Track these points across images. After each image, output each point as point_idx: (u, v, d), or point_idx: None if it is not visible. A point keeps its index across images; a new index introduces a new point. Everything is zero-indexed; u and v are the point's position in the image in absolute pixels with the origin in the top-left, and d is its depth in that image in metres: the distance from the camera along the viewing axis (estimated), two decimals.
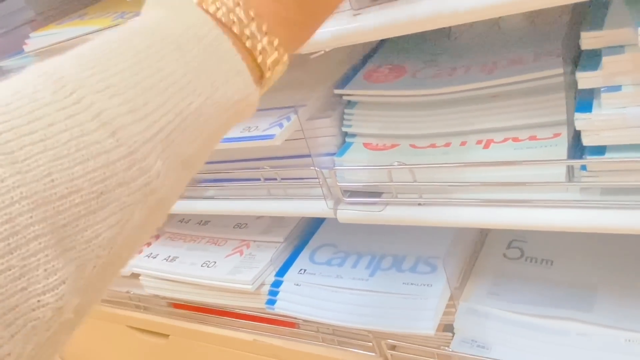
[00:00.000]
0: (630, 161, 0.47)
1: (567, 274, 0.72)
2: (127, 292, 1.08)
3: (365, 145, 0.68)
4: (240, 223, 0.98)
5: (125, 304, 1.12)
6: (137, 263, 1.00)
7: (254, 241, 0.92)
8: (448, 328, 0.73)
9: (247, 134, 0.67)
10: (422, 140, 0.64)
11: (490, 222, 0.57)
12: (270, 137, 0.64)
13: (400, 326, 0.68)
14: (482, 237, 0.81)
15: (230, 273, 0.86)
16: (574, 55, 0.52)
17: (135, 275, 1.02)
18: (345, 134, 0.70)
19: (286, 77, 0.82)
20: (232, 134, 0.69)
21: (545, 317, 0.68)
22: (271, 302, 0.81)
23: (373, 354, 0.78)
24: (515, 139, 0.58)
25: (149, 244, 1.05)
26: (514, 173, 0.55)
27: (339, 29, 0.52)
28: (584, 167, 0.50)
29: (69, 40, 0.76)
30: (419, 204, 0.62)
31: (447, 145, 0.62)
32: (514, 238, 0.80)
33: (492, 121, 0.60)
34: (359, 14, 0.51)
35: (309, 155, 0.71)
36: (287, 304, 0.79)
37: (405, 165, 0.60)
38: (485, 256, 0.79)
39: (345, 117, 0.69)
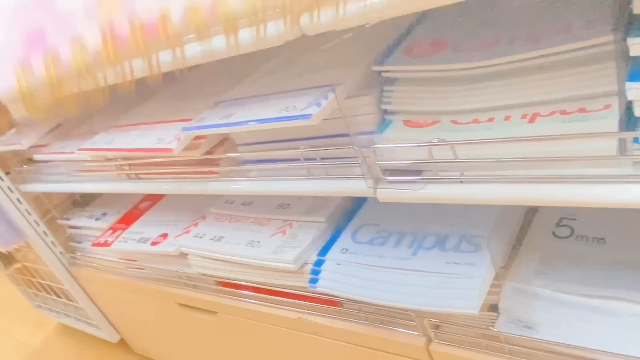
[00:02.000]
0: None
1: (620, 253, 0.68)
2: (177, 271, 1.12)
3: (406, 122, 0.67)
4: (283, 203, 0.99)
5: (174, 282, 1.16)
6: (185, 243, 1.04)
7: (297, 221, 0.93)
8: (493, 308, 0.71)
9: (285, 113, 0.67)
10: (464, 116, 0.63)
11: (536, 199, 0.55)
12: (307, 116, 0.64)
13: (444, 305, 0.67)
14: (530, 215, 0.78)
15: (274, 252, 0.87)
16: (625, 22, 0.49)
17: (183, 255, 1.05)
18: (385, 112, 0.69)
19: (324, 55, 0.82)
20: (270, 114, 0.70)
21: (595, 297, 0.65)
22: (313, 281, 0.81)
23: (416, 333, 0.78)
24: (563, 112, 0.55)
25: (196, 224, 1.08)
26: (561, 148, 0.53)
27: None
28: (636, 140, 0.47)
29: None
30: (461, 182, 0.60)
31: (491, 120, 0.60)
32: (563, 216, 0.77)
33: (538, 94, 0.57)
34: None
35: (347, 135, 0.70)
36: (329, 283, 0.80)
37: (446, 142, 0.59)
38: (534, 234, 0.76)
39: (384, 94, 0.68)
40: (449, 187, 0.61)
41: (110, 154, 0.98)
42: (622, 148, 0.51)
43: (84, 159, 1.08)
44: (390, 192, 0.66)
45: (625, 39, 0.45)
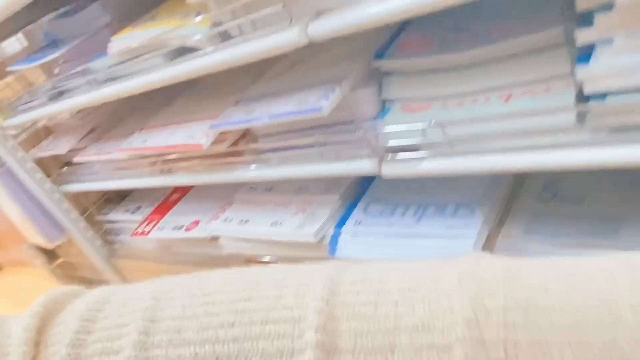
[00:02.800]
0: (627, 104, 0.54)
1: (596, 210, 0.79)
2: (209, 254, 1.25)
3: (403, 108, 0.78)
4: (301, 187, 1.10)
5: (208, 264, 1.29)
6: (215, 227, 1.16)
7: (315, 200, 1.05)
8: None
9: (298, 107, 0.78)
10: (452, 100, 0.73)
11: (514, 167, 0.66)
12: (319, 109, 0.75)
13: None
14: (518, 182, 0.89)
15: (296, 229, 0.99)
16: (575, 15, 0.59)
17: (214, 238, 1.18)
18: (384, 101, 0.80)
19: (329, 54, 0.92)
20: (285, 108, 0.81)
21: (577, 247, 0.76)
22: (332, 251, 0.93)
23: None
24: (531, 92, 0.66)
25: (224, 210, 1.20)
26: (529, 122, 0.64)
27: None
28: (588, 113, 0.58)
29: (146, 40, 0.90)
30: (452, 156, 0.71)
31: (474, 101, 0.71)
32: (548, 181, 0.87)
33: (511, 77, 0.67)
34: None
35: (353, 121, 0.81)
36: (347, 251, 0.91)
37: (437, 123, 0.69)
38: (522, 199, 0.87)
39: (383, 85, 0.79)
40: (442, 161, 0.72)
41: (146, 152, 1.10)
42: (582, 119, 0.61)
43: (121, 158, 1.20)
44: (393, 169, 0.77)
45: (574, 30, 0.55)
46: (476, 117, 0.68)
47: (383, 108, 0.80)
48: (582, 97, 0.60)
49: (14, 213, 1.55)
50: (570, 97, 0.60)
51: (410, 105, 0.77)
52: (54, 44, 1.25)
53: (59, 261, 1.85)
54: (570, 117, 0.61)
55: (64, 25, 1.23)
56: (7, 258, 2.07)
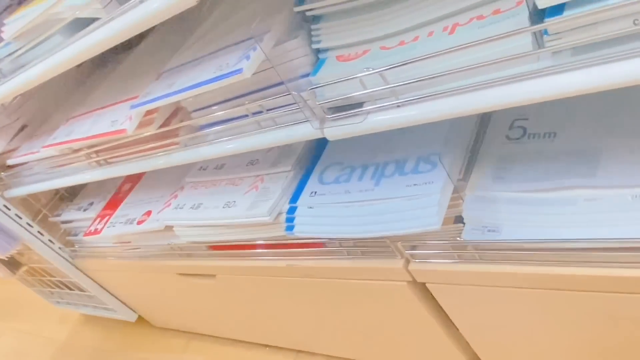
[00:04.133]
0: (588, 14, 0.44)
1: (570, 144, 0.70)
2: (168, 244, 1.15)
3: (338, 57, 0.67)
4: (252, 160, 1.00)
5: (170, 255, 1.19)
6: (168, 216, 1.06)
7: (267, 174, 0.95)
8: (459, 219, 0.74)
9: (218, 73, 0.67)
10: (391, 40, 0.63)
11: (468, 109, 0.56)
12: (239, 71, 0.64)
13: (408, 227, 0.70)
14: (483, 123, 0.79)
15: (249, 209, 0.90)
16: None
17: (169, 228, 1.08)
18: (318, 51, 0.69)
19: (249, 9, 0.80)
20: (205, 76, 0.70)
21: (551, 191, 0.67)
22: (289, 229, 0.84)
23: (394, 257, 0.81)
24: (479, 17, 0.55)
25: (175, 196, 1.10)
26: (483, 54, 0.53)
27: None
28: (546, 32, 0.48)
29: (37, 18, 0.77)
30: (398, 106, 0.61)
31: (416, 39, 0.60)
32: (515, 117, 0.78)
33: (454, 3, 0.57)
34: None
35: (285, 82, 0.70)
36: (304, 227, 0.82)
37: (373, 70, 0.59)
38: (489, 141, 0.78)
39: (312, 33, 0.68)
40: (388, 113, 0.62)
41: (73, 145, 0.98)
42: (540, 42, 0.51)
43: (52, 155, 1.09)
44: (337, 130, 0.67)
45: None
46: (419, 56, 0.57)
47: (317, 60, 0.69)
48: (537, 16, 0.50)
49: None
50: (524, 17, 0.50)
51: (345, 53, 0.66)
52: None
53: (22, 269, 1.75)
54: (526, 40, 0.50)
55: None
56: None
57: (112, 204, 1.30)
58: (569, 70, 0.49)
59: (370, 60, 0.63)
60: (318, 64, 0.68)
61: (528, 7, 0.49)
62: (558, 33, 0.47)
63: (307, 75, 0.69)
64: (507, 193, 0.70)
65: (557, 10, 0.47)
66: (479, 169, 0.75)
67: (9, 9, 0.99)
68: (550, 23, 0.46)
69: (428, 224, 0.68)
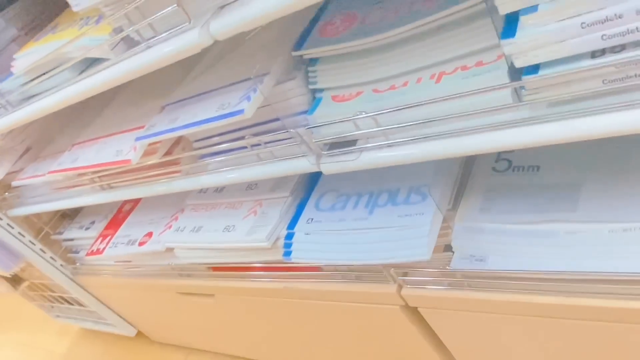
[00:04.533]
0: (561, 75, 0.48)
1: (553, 177, 0.74)
2: (169, 264, 1.19)
3: (333, 97, 0.71)
4: (251, 184, 1.04)
5: (170, 275, 1.23)
6: (169, 238, 1.10)
7: (265, 199, 0.98)
8: (448, 248, 0.78)
9: (221, 112, 0.71)
10: (383, 84, 0.67)
11: (454, 152, 0.60)
12: (240, 112, 0.68)
13: (400, 256, 0.74)
14: (471, 156, 0.83)
15: (248, 234, 0.93)
16: None
17: (170, 249, 1.11)
18: (315, 90, 0.73)
19: (249, 46, 0.84)
20: (208, 113, 0.74)
21: (534, 223, 0.71)
22: (287, 254, 0.88)
23: (388, 283, 0.85)
24: (463, 68, 0.59)
25: (176, 218, 1.14)
26: (466, 103, 0.57)
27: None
28: (523, 87, 0.52)
29: (48, 55, 0.81)
30: (389, 146, 0.65)
31: (405, 84, 0.64)
32: (501, 151, 0.82)
33: (440, 54, 0.61)
34: None
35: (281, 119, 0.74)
36: (301, 253, 0.86)
37: (366, 114, 0.63)
38: (477, 173, 0.82)
39: (309, 74, 0.72)
40: (380, 152, 0.66)
41: (79, 172, 1.02)
42: (519, 94, 0.55)
43: (57, 179, 1.12)
44: (332, 165, 0.71)
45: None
46: (408, 102, 0.61)
47: (314, 99, 0.73)
48: (516, 71, 0.54)
49: None
50: (504, 73, 0.54)
51: (340, 94, 0.70)
52: None
53: (24, 284, 1.78)
54: (505, 93, 0.55)
55: None
56: None
57: (114, 224, 1.33)
58: (545, 122, 0.53)
59: (363, 102, 0.67)
60: (315, 102, 0.72)
61: (507, 63, 0.54)
62: (535, 88, 0.51)
63: (304, 112, 0.73)
64: (493, 224, 0.74)
65: (534, 69, 0.51)
66: (467, 200, 0.79)
67: (17, 40, 1.03)
68: (526, 81, 0.51)
69: (418, 255, 0.72)
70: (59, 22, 0.88)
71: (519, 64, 0.50)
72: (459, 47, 0.60)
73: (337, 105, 0.70)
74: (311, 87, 0.72)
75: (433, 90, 0.60)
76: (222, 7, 0.61)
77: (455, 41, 0.60)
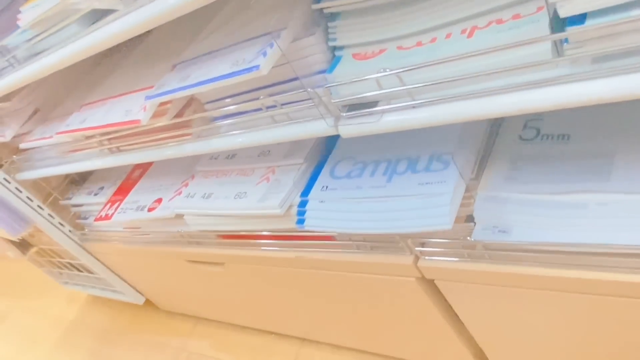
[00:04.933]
0: (610, 25, 0.44)
1: (584, 147, 0.70)
2: (178, 231, 1.16)
3: (354, 55, 0.67)
4: (264, 150, 1.01)
5: (179, 242, 1.21)
6: (178, 204, 1.07)
7: (278, 166, 0.95)
8: (470, 218, 0.74)
9: (235, 68, 0.67)
10: (408, 40, 0.62)
11: (486, 113, 0.56)
12: (256, 67, 0.64)
13: (420, 225, 0.71)
14: (496, 122, 0.79)
15: (260, 200, 0.90)
16: None
17: (179, 216, 1.09)
18: (334, 48, 0.69)
19: (261, 5, 0.80)
20: (221, 70, 0.70)
21: (562, 193, 0.68)
22: (300, 222, 0.85)
23: (403, 254, 0.82)
24: (498, 21, 0.55)
25: (186, 184, 1.11)
26: (500, 59, 0.53)
27: None
28: (566, 40, 0.48)
29: (53, 7, 0.77)
30: (414, 107, 0.61)
31: (433, 40, 0.60)
32: (529, 118, 0.78)
33: (474, 6, 0.57)
34: None
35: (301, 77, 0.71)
36: (315, 221, 0.83)
37: (391, 71, 0.59)
38: (502, 141, 0.78)
39: (329, 30, 0.68)
40: (403, 114, 0.62)
41: (87, 133, 0.99)
42: (560, 49, 0.51)
43: (65, 141, 1.09)
44: (352, 128, 0.67)
45: None
46: (436, 58, 0.57)
47: (333, 57, 0.69)
48: (557, 23, 0.49)
49: None
50: (544, 25, 0.50)
51: (362, 52, 0.66)
52: None
53: (33, 250, 1.77)
54: (545, 47, 0.50)
55: None
56: None
57: (123, 190, 1.31)
58: (588, 79, 0.49)
59: (387, 60, 0.63)
60: (334, 61, 0.68)
61: (549, 14, 0.49)
62: (578, 42, 0.47)
63: (322, 71, 0.69)
64: (519, 194, 0.71)
65: (579, 19, 0.46)
66: (491, 169, 0.75)
67: None
68: (571, 32, 0.46)
69: (440, 224, 0.68)
70: None
71: (563, 12, 0.46)
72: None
73: (358, 63, 0.65)
74: (331, 44, 0.68)
75: (464, 46, 0.56)
76: None
77: None
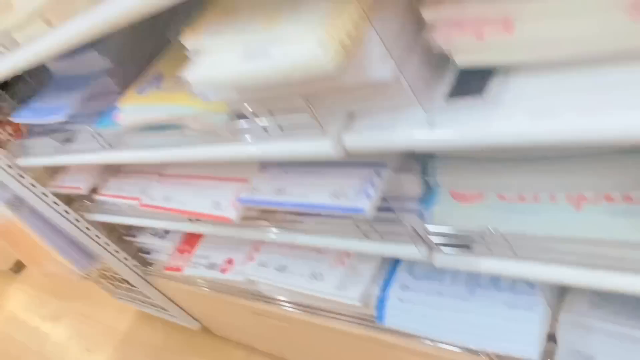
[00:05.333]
0: None
1: None
2: (248, 289, 1.22)
3: (453, 194, 0.69)
4: None
5: (248, 297, 1.26)
6: (252, 272, 1.12)
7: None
8: (550, 337, 0.77)
9: (337, 202, 0.71)
10: (509, 191, 0.65)
11: (584, 283, 0.59)
12: (360, 210, 0.67)
13: (506, 348, 0.74)
14: None
15: (338, 288, 0.94)
16: None
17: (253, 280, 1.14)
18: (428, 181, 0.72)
19: None
20: (320, 198, 0.73)
21: None
22: (380, 318, 0.89)
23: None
24: (608, 198, 0.57)
25: (257, 249, 1.16)
26: (608, 240, 0.56)
27: None
28: None
29: (160, 118, 0.81)
30: (513, 257, 0.64)
31: (536, 199, 0.62)
32: None
33: (582, 176, 0.59)
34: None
35: (395, 201, 0.74)
36: (395, 320, 0.87)
37: (497, 232, 0.62)
38: None
39: (428, 168, 0.70)
40: (502, 262, 0.65)
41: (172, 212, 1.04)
42: None
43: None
44: (447, 261, 0.71)
45: None
46: (543, 224, 0.60)
47: (427, 189, 0.72)
48: None
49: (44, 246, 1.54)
50: None
51: (461, 192, 0.69)
52: (55, 85, 1.16)
53: (95, 274, 1.86)
54: None
55: (66, 66, 1.13)
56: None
57: (190, 240, 1.36)
58: None
59: (489, 210, 0.65)
60: (431, 194, 0.71)
61: None
62: None
63: (415, 199, 0.72)
64: (604, 323, 0.73)
65: None
66: (575, 291, 0.77)
67: (110, 71, 1.03)
68: None
69: (527, 352, 0.71)
70: (163, 74, 0.87)
71: None
72: (602, 175, 0.57)
73: (458, 206, 0.68)
74: (428, 180, 0.71)
75: (573, 219, 0.58)
76: (352, 115, 0.60)
77: (599, 169, 0.57)
